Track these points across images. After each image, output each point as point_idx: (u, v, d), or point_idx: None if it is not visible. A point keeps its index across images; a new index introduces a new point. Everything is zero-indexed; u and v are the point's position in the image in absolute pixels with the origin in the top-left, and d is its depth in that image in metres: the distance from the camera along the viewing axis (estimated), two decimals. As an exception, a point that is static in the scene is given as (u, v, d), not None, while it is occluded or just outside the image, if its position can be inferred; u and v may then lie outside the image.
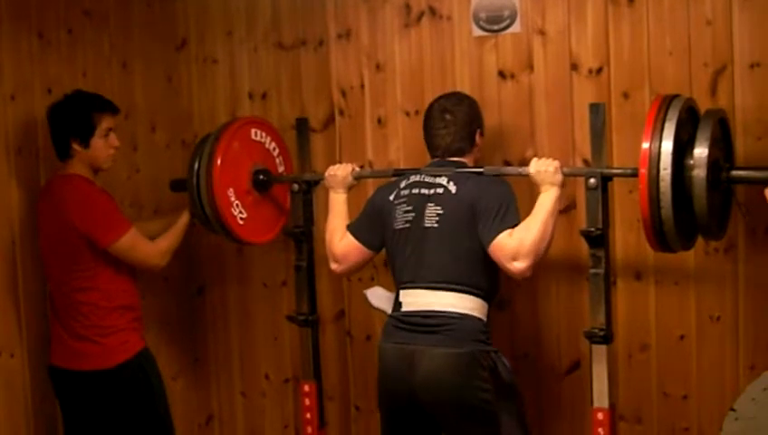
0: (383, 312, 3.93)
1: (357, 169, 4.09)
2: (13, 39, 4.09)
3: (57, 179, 3.94)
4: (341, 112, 4.60)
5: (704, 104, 3.58)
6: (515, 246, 3.44)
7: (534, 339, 4.28)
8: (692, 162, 3.27)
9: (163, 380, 4.15)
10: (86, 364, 3.90)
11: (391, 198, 3.75)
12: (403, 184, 3.76)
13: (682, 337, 3.99)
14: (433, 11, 4.33)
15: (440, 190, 3.62)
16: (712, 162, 3.28)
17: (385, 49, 4.48)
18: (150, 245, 4.06)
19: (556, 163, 3.59)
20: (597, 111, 3.63)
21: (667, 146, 3.24)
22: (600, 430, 3.62)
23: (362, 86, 4.54)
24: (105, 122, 3.93)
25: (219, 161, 4.09)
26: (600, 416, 3.62)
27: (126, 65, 4.65)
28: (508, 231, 3.47)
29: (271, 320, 4.94)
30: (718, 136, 3.42)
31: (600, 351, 3.61)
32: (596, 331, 3.58)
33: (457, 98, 3.84)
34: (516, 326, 4.31)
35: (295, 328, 4.44)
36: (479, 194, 3.57)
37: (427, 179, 3.69)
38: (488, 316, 3.61)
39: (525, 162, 4.07)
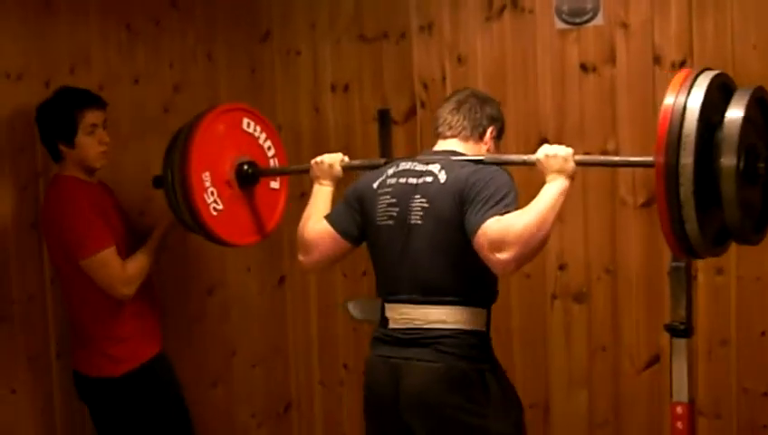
0: (369, 322, 3.69)
1: (346, 158, 3.68)
2: (101, 30, 4.18)
3: (51, 182, 3.82)
4: (423, 105, 4.62)
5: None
6: (501, 232, 2.94)
7: (613, 332, 4.27)
8: (720, 148, 2.80)
9: (178, 385, 4.04)
10: (95, 371, 3.80)
11: (375, 185, 3.33)
12: (391, 171, 3.34)
13: (763, 333, 3.96)
14: (515, 4, 4.34)
15: (429, 179, 3.20)
16: (746, 149, 2.82)
17: (467, 42, 4.49)
18: (120, 269, 3.71)
19: (569, 150, 3.15)
20: (679, 104, 3.58)
21: (690, 129, 2.78)
22: (678, 424, 3.59)
23: (444, 79, 4.55)
24: (89, 118, 3.71)
25: (197, 138, 3.74)
26: (679, 410, 3.59)
27: (211, 57, 4.72)
28: (497, 217, 2.98)
29: (350, 310, 4.97)
30: (757, 118, 2.96)
31: (680, 345, 3.58)
32: (677, 324, 3.55)
33: (490, 97, 3.51)
34: (594, 319, 4.31)
35: (375, 318, 4.47)
36: (471, 181, 3.11)
37: (417, 167, 3.27)
38: (488, 325, 3.27)
39: (607, 154, 4.09)
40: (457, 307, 3.18)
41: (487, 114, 3.39)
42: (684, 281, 3.56)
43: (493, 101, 3.48)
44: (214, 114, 3.86)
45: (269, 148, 4.07)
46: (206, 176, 3.78)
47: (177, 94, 4.51)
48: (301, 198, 4.08)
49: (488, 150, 3.39)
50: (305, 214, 3.54)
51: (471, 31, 4.48)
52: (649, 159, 2.97)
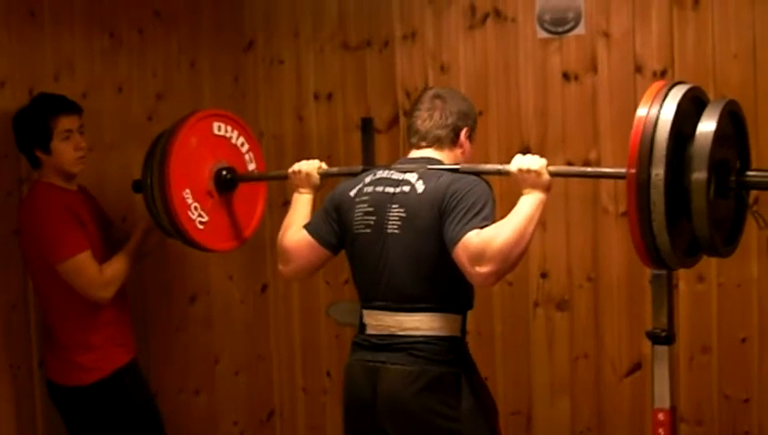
0: (351, 325, 3.71)
1: (323, 165, 3.70)
2: (85, 38, 4.19)
3: (29, 189, 3.82)
4: (406, 113, 4.61)
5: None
6: (481, 246, 2.96)
7: (595, 339, 4.28)
8: (691, 163, 2.80)
9: (149, 393, 4.05)
10: (66, 380, 3.81)
11: (352, 193, 3.33)
12: (368, 179, 3.33)
13: (744, 340, 3.99)
14: (498, 13, 4.36)
15: (406, 189, 3.20)
16: (717, 163, 2.83)
17: (450, 50, 4.51)
18: (97, 274, 3.70)
19: (542, 162, 3.13)
20: (661, 113, 3.59)
21: (661, 142, 2.78)
22: (660, 430, 3.60)
23: (427, 87, 4.55)
24: (63, 124, 3.70)
25: (173, 160, 3.71)
26: (660, 417, 3.60)
27: (194, 65, 4.73)
28: (476, 231, 3.00)
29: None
30: (729, 131, 2.97)
31: (661, 351, 3.59)
32: (658, 331, 3.55)
33: (455, 91, 3.52)
34: (576, 327, 4.32)
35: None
36: (450, 191, 3.11)
37: (394, 176, 3.27)
38: (463, 330, 3.29)
39: (588, 164, 4.11)
40: (432, 314, 3.20)
41: (458, 115, 3.34)
42: (665, 288, 3.57)
43: (459, 96, 3.45)
44: (184, 131, 3.81)
45: (242, 144, 4.07)
46: (187, 193, 3.79)
47: (160, 102, 4.52)
48: (283, 206, 4.09)
49: (463, 153, 3.37)
50: (285, 223, 3.56)
51: (454, 39, 4.49)
52: (622, 170, 2.96)
